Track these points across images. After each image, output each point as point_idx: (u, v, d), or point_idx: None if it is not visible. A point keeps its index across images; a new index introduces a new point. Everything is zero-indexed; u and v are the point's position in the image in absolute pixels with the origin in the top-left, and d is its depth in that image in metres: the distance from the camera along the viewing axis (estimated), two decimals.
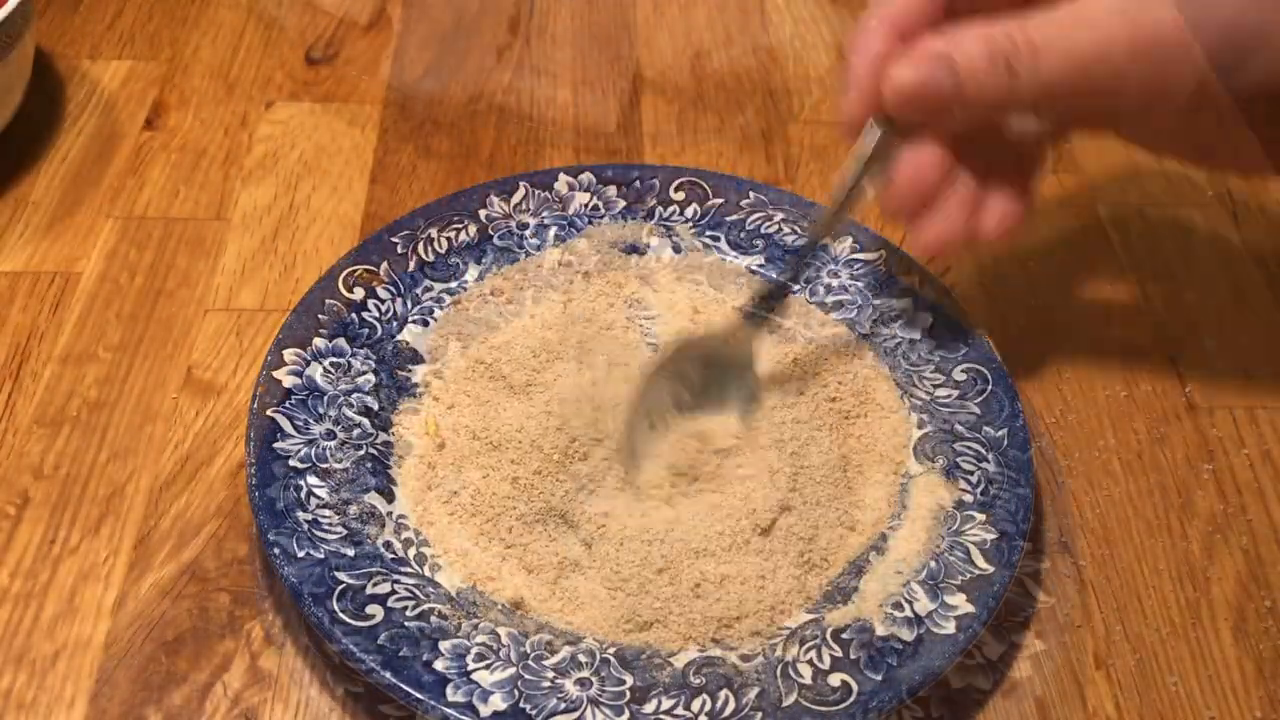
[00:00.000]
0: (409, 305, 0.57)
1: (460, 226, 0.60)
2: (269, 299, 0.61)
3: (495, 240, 0.60)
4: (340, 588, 0.45)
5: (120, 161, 0.69)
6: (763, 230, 0.61)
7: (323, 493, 0.49)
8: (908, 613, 0.46)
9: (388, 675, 0.43)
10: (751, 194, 0.63)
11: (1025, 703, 0.47)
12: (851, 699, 0.43)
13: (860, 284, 0.59)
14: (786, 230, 0.61)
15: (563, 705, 0.43)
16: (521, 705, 0.43)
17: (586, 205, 0.62)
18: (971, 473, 0.51)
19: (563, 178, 0.63)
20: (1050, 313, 0.63)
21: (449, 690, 0.43)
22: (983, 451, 0.52)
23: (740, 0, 0.76)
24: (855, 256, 0.60)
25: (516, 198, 0.62)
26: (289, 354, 0.53)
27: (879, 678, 0.44)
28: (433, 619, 0.45)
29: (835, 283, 0.59)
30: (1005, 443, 0.52)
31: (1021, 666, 0.48)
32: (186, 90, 0.74)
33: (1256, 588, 0.52)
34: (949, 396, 0.54)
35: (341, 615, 0.44)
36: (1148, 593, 0.52)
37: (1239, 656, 0.50)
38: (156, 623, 0.49)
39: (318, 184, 0.68)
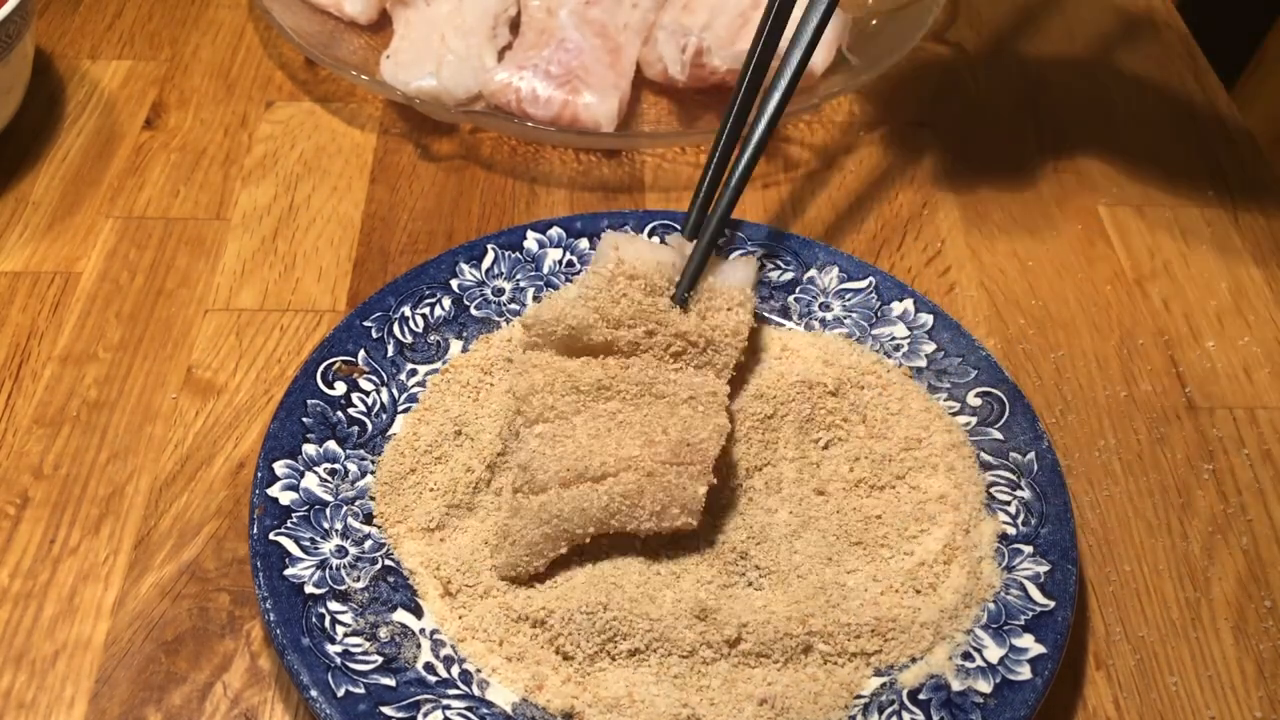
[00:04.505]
0: (396, 394, 0.54)
1: (434, 300, 0.57)
2: (269, 299, 0.61)
3: (473, 310, 0.58)
4: None
5: (120, 161, 0.69)
6: None
7: (347, 618, 0.46)
8: (979, 662, 0.46)
9: None
10: (728, 231, 0.61)
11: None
12: None
13: (855, 315, 0.58)
14: (770, 265, 0.60)
15: None
16: None
17: (560, 262, 0.60)
18: (1008, 503, 0.51)
19: (531, 235, 0.60)
20: (1050, 313, 0.63)
21: None
22: (1014, 479, 0.51)
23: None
24: (845, 286, 0.59)
25: (487, 262, 0.59)
26: (280, 467, 0.50)
27: None
28: None
29: (829, 316, 0.58)
30: (1035, 467, 0.51)
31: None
32: (186, 90, 0.74)
33: (1256, 588, 0.52)
34: (968, 424, 0.54)
35: None
36: (1148, 593, 0.52)
37: (1239, 656, 0.50)
38: (156, 623, 0.49)
39: (318, 184, 0.68)
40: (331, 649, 0.45)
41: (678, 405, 0.49)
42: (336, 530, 0.49)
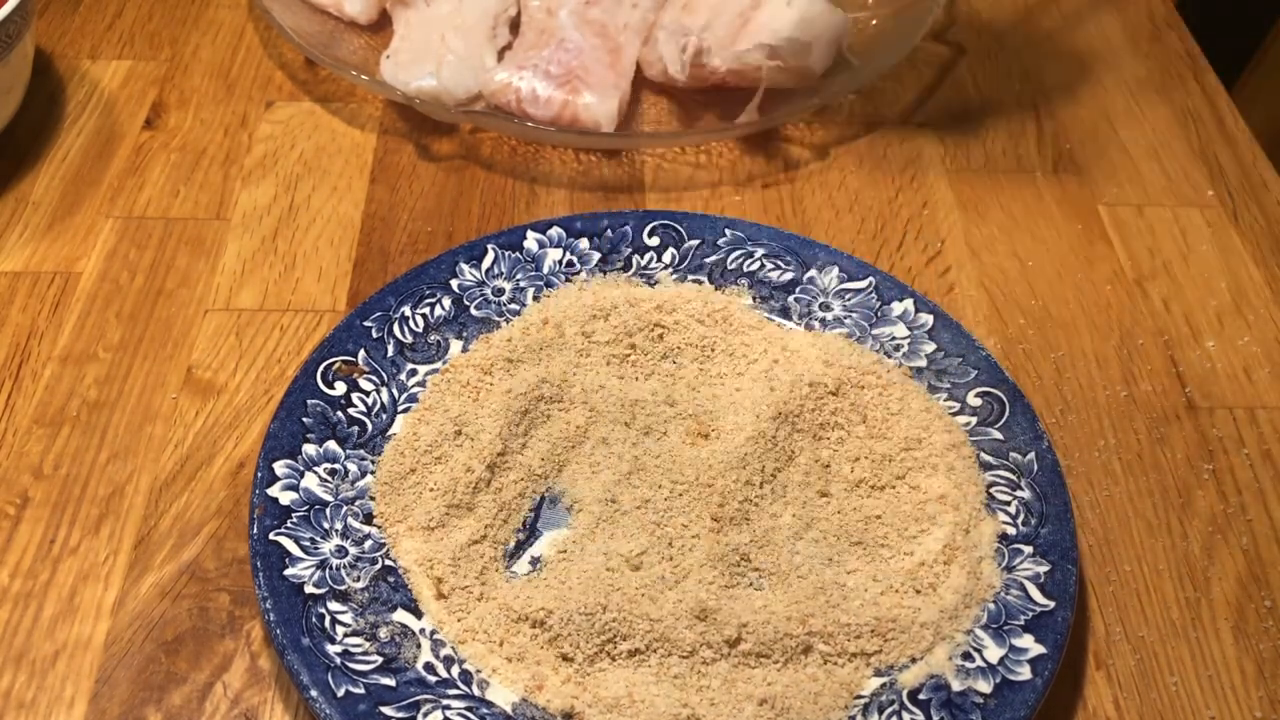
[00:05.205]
0: (396, 394, 0.54)
1: (434, 300, 0.57)
2: (269, 299, 0.61)
3: (473, 310, 0.58)
4: None
5: (120, 161, 0.69)
6: (745, 268, 0.60)
7: (347, 618, 0.46)
8: (979, 662, 0.46)
9: None
10: (728, 231, 0.61)
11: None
12: None
13: (855, 315, 0.58)
14: (769, 265, 0.60)
15: None
16: None
17: (560, 261, 0.60)
18: (1008, 503, 0.51)
19: (531, 235, 0.60)
20: (1050, 313, 0.63)
21: None
22: (1014, 479, 0.51)
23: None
24: (845, 286, 0.59)
25: (487, 262, 0.59)
26: (280, 467, 0.50)
27: None
28: None
29: (829, 316, 0.58)
30: (1035, 467, 0.51)
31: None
32: (186, 90, 0.74)
33: (1256, 588, 0.52)
34: (968, 424, 0.54)
35: None
36: (1148, 593, 0.52)
37: (1239, 656, 0.50)
38: (156, 623, 0.49)
39: (318, 184, 0.68)
40: (331, 649, 0.45)
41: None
42: (336, 530, 0.49)
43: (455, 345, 0.56)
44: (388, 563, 0.48)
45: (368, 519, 0.50)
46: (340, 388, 0.53)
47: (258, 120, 0.72)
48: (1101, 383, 0.60)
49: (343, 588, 0.47)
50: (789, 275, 0.60)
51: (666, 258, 0.60)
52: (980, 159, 0.72)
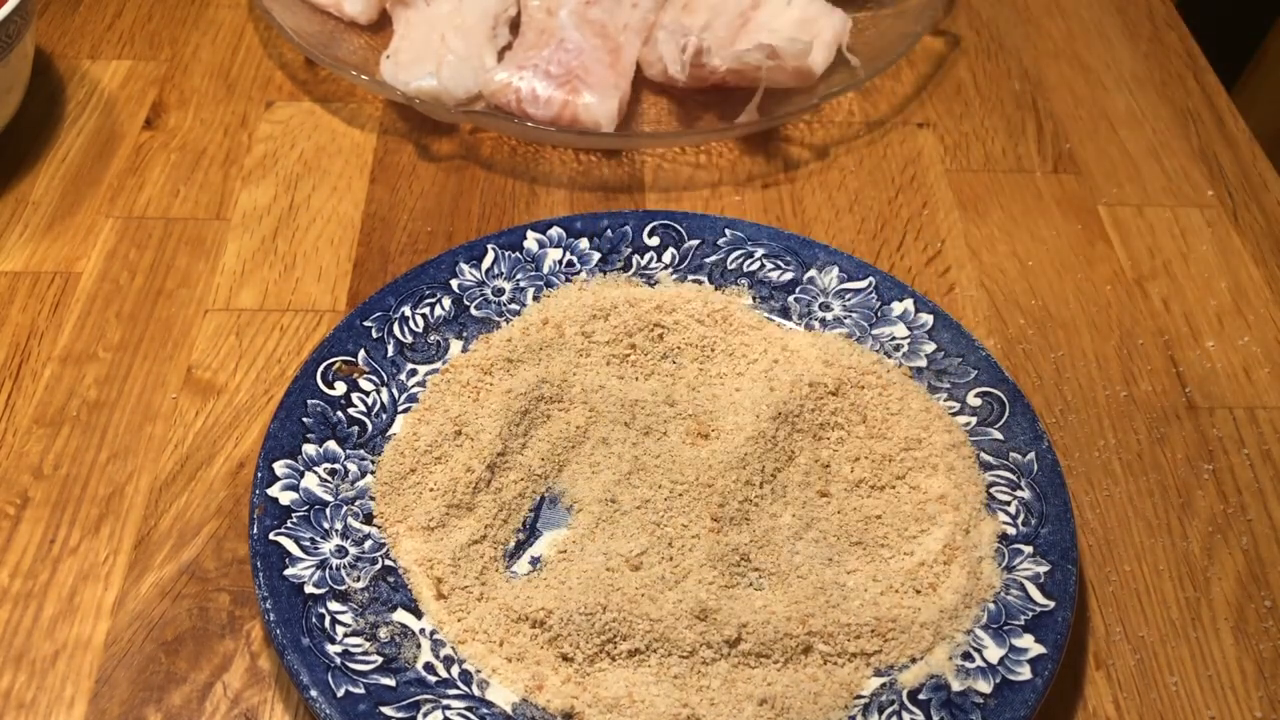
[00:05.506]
0: (396, 394, 0.54)
1: (434, 300, 0.57)
2: (269, 299, 0.61)
3: (473, 310, 0.58)
4: None
5: (120, 161, 0.69)
6: (745, 268, 0.60)
7: (347, 618, 0.46)
8: (979, 662, 0.46)
9: None
10: (728, 231, 0.61)
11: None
12: None
13: (855, 315, 0.58)
14: (770, 265, 0.60)
15: None
16: None
17: (560, 261, 0.60)
18: (1008, 503, 0.51)
19: (531, 235, 0.60)
20: (1050, 313, 0.63)
21: None
22: (1014, 479, 0.51)
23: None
24: (845, 286, 0.59)
25: (487, 262, 0.59)
26: (280, 467, 0.50)
27: None
28: None
29: (829, 316, 0.59)
30: (1035, 467, 0.51)
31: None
32: (186, 90, 0.74)
33: (1256, 588, 0.52)
34: (968, 424, 0.54)
35: None
36: (1148, 593, 0.52)
37: (1239, 656, 0.50)
38: (156, 623, 0.49)
39: (317, 184, 0.68)
40: (331, 649, 0.45)
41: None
42: (336, 530, 0.49)
43: (455, 345, 0.56)
44: (388, 563, 0.48)
45: (368, 519, 0.50)
46: (340, 388, 0.53)
47: (258, 120, 0.72)
48: (1101, 383, 0.60)
49: (343, 588, 0.47)
50: (789, 275, 0.60)
51: (666, 258, 0.61)
52: (980, 159, 0.72)
